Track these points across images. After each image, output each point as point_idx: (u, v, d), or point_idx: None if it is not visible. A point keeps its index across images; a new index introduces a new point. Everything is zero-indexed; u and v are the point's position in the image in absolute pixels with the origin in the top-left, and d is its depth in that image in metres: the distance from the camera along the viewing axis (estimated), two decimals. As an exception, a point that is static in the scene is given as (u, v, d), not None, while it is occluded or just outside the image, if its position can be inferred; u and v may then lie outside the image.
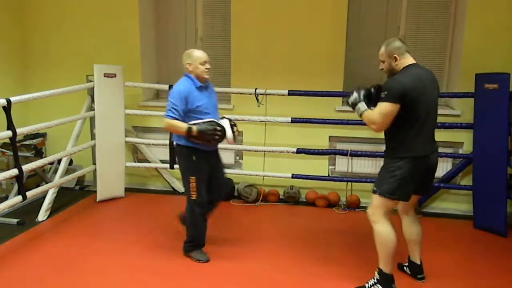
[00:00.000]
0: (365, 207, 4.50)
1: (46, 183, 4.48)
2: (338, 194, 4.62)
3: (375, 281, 2.89)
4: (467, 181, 4.43)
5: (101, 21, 4.94)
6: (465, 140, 4.41)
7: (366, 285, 2.92)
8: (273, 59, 4.65)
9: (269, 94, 4.43)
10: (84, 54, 4.99)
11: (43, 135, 5.06)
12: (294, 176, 4.50)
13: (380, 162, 4.45)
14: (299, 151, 4.45)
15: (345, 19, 4.50)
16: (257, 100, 4.45)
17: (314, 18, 4.51)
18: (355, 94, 2.86)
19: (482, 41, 4.22)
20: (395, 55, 2.75)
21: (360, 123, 4.41)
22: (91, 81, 4.51)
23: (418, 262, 3.08)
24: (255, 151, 4.71)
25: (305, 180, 4.55)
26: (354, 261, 3.37)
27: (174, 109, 3.12)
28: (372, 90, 2.88)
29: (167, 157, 4.71)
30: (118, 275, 3.17)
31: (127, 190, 4.79)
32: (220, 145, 4.70)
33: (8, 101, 3.43)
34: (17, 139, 3.61)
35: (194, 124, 3.12)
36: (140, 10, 4.91)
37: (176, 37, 5.25)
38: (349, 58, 4.68)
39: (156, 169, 5.02)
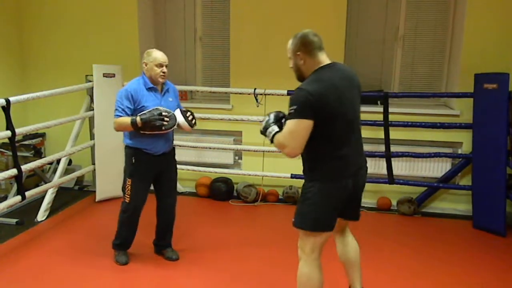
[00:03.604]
0: (364, 208, 4.52)
1: (45, 183, 4.47)
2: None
3: None
4: (466, 181, 4.43)
5: (100, 21, 4.94)
6: (464, 140, 4.41)
7: None
8: (272, 59, 4.63)
9: (268, 94, 4.43)
10: (83, 54, 4.99)
11: (42, 135, 5.06)
12: (293, 176, 4.50)
13: (380, 162, 4.52)
14: (298, 151, 4.44)
15: (345, 19, 4.49)
16: (256, 100, 4.45)
17: (313, 18, 4.51)
18: (266, 118, 2.40)
19: (482, 41, 4.21)
20: (298, 53, 2.25)
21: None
22: (90, 81, 4.51)
23: None
24: (254, 151, 4.71)
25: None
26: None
27: (120, 108, 3.04)
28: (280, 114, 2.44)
29: (166, 157, 4.71)
30: (118, 275, 3.17)
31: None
32: (218, 145, 4.76)
33: (7, 101, 3.43)
34: (16, 139, 3.62)
35: (138, 115, 3.00)
36: (139, 9, 4.90)
37: (175, 37, 5.25)
38: (349, 58, 4.67)
39: (155, 169, 5.01)
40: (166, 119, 3.00)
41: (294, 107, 2.15)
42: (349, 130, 2.28)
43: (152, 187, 3.28)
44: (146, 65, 3.11)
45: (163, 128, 3.01)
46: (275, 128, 2.31)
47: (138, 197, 3.17)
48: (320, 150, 2.24)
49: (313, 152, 2.26)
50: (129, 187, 3.14)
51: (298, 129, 2.14)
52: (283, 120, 2.35)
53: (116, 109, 3.05)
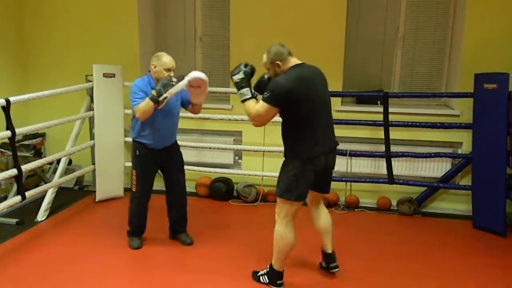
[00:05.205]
0: (365, 207, 4.53)
1: (45, 183, 4.47)
2: (337, 194, 4.61)
3: (265, 272, 3.01)
4: (466, 181, 4.44)
5: (100, 21, 4.94)
6: (464, 140, 4.41)
7: (259, 272, 3.04)
8: (272, 59, 4.64)
9: (268, 94, 4.42)
10: (83, 54, 4.99)
11: (42, 135, 5.06)
12: (293, 176, 4.50)
13: (380, 162, 4.53)
14: (298, 151, 4.44)
15: (345, 19, 4.50)
16: (256, 100, 4.44)
17: (313, 18, 4.51)
18: (241, 73, 2.84)
19: (482, 41, 4.21)
20: (277, 62, 2.74)
21: (359, 123, 4.42)
22: (90, 81, 4.51)
23: (330, 251, 3.07)
24: (254, 151, 4.71)
25: (304, 180, 4.54)
26: (352, 261, 3.36)
27: (139, 98, 3.21)
28: (265, 77, 2.90)
29: (166, 157, 4.71)
30: (117, 275, 3.17)
31: (126, 190, 4.76)
32: (218, 145, 4.76)
33: (7, 101, 3.43)
34: (16, 139, 3.62)
35: (152, 89, 3.18)
36: (139, 10, 4.91)
37: (175, 37, 5.25)
38: (348, 58, 4.68)
39: (155, 169, 5.01)
40: (174, 79, 3.18)
41: (268, 93, 2.66)
42: (319, 115, 2.73)
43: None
44: (154, 67, 3.29)
45: (174, 84, 3.17)
46: (249, 92, 2.82)
47: (142, 187, 3.44)
48: (295, 131, 2.73)
49: (289, 133, 2.77)
50: (134, 178, 3.43)
51: (265, 112, 2.69)
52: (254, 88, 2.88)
53: (134, 100, 3.23)
